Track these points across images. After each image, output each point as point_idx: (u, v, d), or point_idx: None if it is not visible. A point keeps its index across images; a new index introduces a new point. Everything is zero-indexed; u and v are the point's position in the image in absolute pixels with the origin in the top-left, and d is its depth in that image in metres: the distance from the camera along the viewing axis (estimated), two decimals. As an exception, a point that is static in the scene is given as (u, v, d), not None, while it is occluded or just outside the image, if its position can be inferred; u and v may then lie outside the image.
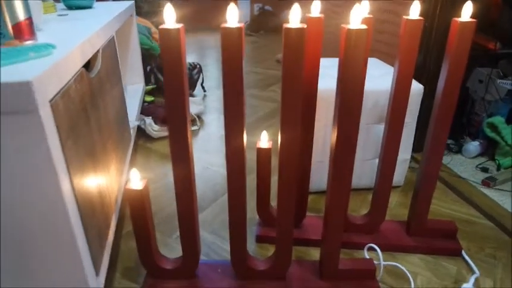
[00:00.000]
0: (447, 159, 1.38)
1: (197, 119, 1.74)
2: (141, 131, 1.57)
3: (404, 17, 0.77)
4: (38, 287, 0.57)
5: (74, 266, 0.56)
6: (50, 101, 0.49)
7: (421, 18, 0.76)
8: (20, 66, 0.51)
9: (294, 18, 0.62)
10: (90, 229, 0.62)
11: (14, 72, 0.47)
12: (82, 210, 0.59)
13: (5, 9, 0.59)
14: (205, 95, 2.15)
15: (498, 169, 1.31)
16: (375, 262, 0.87)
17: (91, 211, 0.65)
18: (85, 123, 0.66)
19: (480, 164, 1.34)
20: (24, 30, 0.62)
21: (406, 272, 0.88)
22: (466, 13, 0.74)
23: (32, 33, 0.64)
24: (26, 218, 0.52)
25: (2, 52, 0.53)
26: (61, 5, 1.27)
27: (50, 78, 0.49)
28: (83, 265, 0.57)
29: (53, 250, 0.55)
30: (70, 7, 1.24)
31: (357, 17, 0.64)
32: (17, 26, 0.61)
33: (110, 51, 0.98)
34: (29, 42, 0.63)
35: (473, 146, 1.40)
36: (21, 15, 0.61)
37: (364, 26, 0.62)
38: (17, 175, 0.49)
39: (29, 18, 0.63)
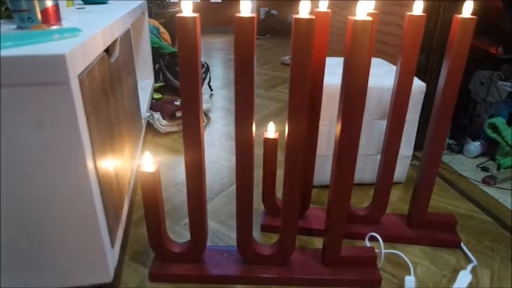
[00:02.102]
0: (448, 159, 1.41)
1: (204, 116, 1.78)
2: (149, 127, 1.62)
3: (408, 13, 0.81)
4: (57, 254, 0.61)
5: (93, 234, 0.59)
6: (78, 75, 0.53)
7: (424, 14, 0.80)
8: (46, 45, 0.54)
9: (304, 9, 0.65)
10: (108, 202, 0.66)
11: (44, 49, 0.51)
12: (101, 182, 0.62)
13: (34, -6, 0.63)
14: (211, 94, 2.19)
15: (498, 169, 1.34)
16: (376, 250, 0.90)
17: (109, 185, 0.69)
18: (105, 104, 0.70)
19: (481, 164, 1.37)
20: (51, 15, 0.67)
21: (407, 259, 0.91)
22: (467, 10, 0.78)
23: (58, 19, 0.69)
24: (49, 183, 0.55)
25: (29, 32, 0.57)
26: (77, 1, 1.32)
27: (78, 56, 0.53)
28: (101, 235, 0.60)
29: (73, 218, 0.58)
30: (86, 2, 1.29)
31: (363, 10, 0.67)
32: (44, 11, 0.65)
33: (126, 41, 1.02)
34: (55, 27, 0.67)
35: (474, 146, 1.43)
36: (48, 2, 0.66)
37: (369, 18, 0.66)
38: (46, 142, 0.52)
39: (56, 5, 0.68)
